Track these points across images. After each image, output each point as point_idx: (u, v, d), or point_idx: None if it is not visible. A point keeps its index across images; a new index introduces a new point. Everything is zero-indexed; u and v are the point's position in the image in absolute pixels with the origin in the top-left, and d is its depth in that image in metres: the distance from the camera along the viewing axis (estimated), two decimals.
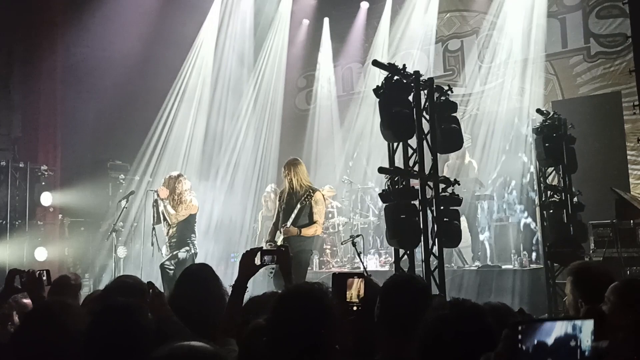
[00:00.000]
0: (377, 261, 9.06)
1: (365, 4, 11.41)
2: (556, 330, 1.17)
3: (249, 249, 3.07)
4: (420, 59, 10.40)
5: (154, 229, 7.08)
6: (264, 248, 3.20)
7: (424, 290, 2.65)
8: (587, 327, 1.20)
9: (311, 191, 5.89)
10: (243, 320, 2.59)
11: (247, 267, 2.97)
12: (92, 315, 2.20)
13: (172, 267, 6.67)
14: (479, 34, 10.13)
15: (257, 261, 3.03)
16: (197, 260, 6.79)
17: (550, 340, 1.16)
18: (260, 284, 5.87)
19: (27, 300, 3.63)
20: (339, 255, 9.38)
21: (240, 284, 2.87)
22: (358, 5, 11.46)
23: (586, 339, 1.19)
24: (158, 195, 6.91)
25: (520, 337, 1.16)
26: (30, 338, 2.30)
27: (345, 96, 11.87)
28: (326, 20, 11.82)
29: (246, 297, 2.86)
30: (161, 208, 6.93)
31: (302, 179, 6.04)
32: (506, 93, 9.77)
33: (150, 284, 2.96)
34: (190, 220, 6.98)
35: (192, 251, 6.93)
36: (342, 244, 9.01)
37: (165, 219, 6.93)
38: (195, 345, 1.44)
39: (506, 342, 1.21)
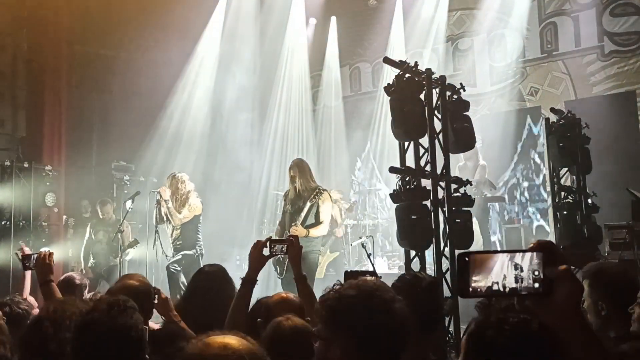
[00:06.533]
0: (386, 264, 8.95)
1: (374, 2, 11.28)
2: (500, 259, 1.25)
3: (257, 240, 3.02)
4: (429, 58, 10.27)
5: (157, 230, 6.99)
6: (273, 238, 3.16)
7: (432, 284, 2.64)
8: (529, 257, 1.26)
9: (319, 191, 5.80)
10: (252, 318, 2.56)
11: (257, 258, 2.93)
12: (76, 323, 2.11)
13: (178, 269, 6.58)
14: (490, 33, 9.98)
15: (266, 252, 3.00)
16: (203, 262, 6.69)
17: (495, 268, 1.24)
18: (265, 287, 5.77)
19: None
20: (347, 257, 9.25)
21: (250, 277, 2.83)
22: (366, 4, 11.33)
23: (528, 268, 1.25)
24: (160, 195, 6.81)
25: (470, 268, 1.24)
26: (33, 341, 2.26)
27: (353, 96, 11.75)
28: (333, 19, 11.71)
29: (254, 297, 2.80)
30: (164, 209, 6.82)
31: (308, 180, 5.96)
32: (518, 93, 9.63)
33: (156, 289, 2.90)
34: (194, 222, 6.90)
35: (198, 252, 6.86)
36: (351, 245, 8.91)
37: (168, 220, 6.84)
38: (231, 340, 1.29)
39: (460, 273, 1.26)
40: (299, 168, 6.01)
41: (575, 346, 1.25)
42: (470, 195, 5.32)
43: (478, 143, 8.21)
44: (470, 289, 1.24)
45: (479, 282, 1.24)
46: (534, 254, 1.27)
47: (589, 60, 9.05)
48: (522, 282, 1.25)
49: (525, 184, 9.36)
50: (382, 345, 1.67)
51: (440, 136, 5.19)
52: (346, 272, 2.86)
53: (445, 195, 5.11)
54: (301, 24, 11.61)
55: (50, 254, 3.46)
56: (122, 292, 2.93)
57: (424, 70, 5.13)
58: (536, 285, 1.25)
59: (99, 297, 3.46)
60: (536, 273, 1.25)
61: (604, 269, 2.91)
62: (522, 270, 1.25)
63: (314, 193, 5.77)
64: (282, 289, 5.39)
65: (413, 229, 4.75)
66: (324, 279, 7.85)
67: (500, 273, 1.24)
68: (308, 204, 5.75)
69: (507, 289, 1.24)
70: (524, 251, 1.27)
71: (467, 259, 1.25)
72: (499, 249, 8.63)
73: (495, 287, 1.24)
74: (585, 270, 2.88)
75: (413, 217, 4.73)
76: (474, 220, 6.93)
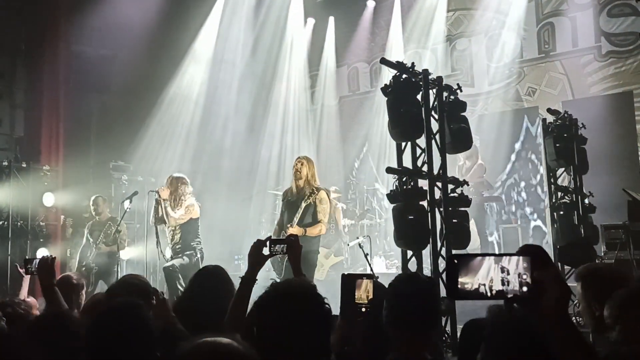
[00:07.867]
0: (384, 264, 8.94)
1: (372, 2, 11.29)
2: (487, 262, 1.29)
3: (257, 239, 3.00)
4: (427, 58, 10.28)
5: (156, 230, 6.96)
6: (273, 237, 3.15)
7: (428, 285, 2.64)
8: (516, 261, 1.30)
9: (315, 190, 5.78)
10: (252, 318, 2.54)
11: (256, 257, 2.90)
12: (95, 315, 2.17)
13: (176, 272, 6.54)
14: (487, 33, 9.99)
15: (266, 251, 2.97)
16: (202, 264, 6.67)
17: (482, 271, 1.28)
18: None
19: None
20: (345, 257, 9.25)
21: (249, 276, 2.81)
22: (364, 4, 11.34)
23: (514, 271, 1.29)
24: (159, 195, 6.78)
25: (459, 270, 1.28)
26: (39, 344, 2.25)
27: (351, 96, 11.75)
28: (331, 19, 11.71)
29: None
30: (161, 209, 6.79)
31: (311, 177, 5.93)
32: (515, 93, 9.64)
33: (154, 290, 2.90)
34: (193, 225, 6.83)
35: (197, 255, 6.79)
36: (348, 245, 8.90)
37: (165, 221, 6.81)
38: (221, 342, 1.29)
39: (448, 275, 1.31)
40: (307, 162, 5.95)
41: (565, 350, 1.27)
42: (467, 196, 5.34)
43: (475, 143, 8.24)
44: (459, 291, 1.28)
45: (467, 284, 1.28)
46: (521, 258, 1.30)
47: (586, 61, 9.06)
48: (508, 285, 1.28)
49: (523, 184, 9.37)
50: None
51: (437, 137, 5.20)
52: (343, 275, 2.83)
53: (442, 195, 5.12)
54: (299, 24, 11.62)
55: (53, 259, 3.48)
56: (122, 290, 2.96)
57: (421, 70, 5.14)
58: (523, 288, 1.28)
59: (99, 297, 3.52)
60: (523, 277, 1.29)
61: (595, 271, 2.90)
62: (508, 274, 1.29)
63: (310, 192, 5.75)
64: None
65: (410, 229, 4.75)
66: (324, 281, 7.87)
67: (487, 276, 1.28)
68: (303, 204, 5.71)
69: (493, 292, 1.28)
70: (511, 255, 1.30)
71: (455, 261, 1.29)
72: (496, 249, 8.65)
73: (482, 290, 1.28)
74: (577, 273, 2.90)
75: (410, 217, 4.73)
76: (472, 220, 6.96)
